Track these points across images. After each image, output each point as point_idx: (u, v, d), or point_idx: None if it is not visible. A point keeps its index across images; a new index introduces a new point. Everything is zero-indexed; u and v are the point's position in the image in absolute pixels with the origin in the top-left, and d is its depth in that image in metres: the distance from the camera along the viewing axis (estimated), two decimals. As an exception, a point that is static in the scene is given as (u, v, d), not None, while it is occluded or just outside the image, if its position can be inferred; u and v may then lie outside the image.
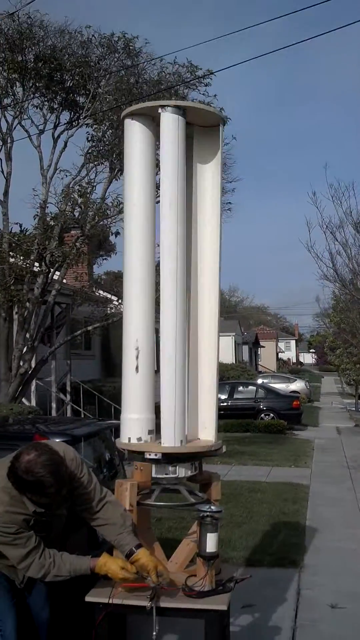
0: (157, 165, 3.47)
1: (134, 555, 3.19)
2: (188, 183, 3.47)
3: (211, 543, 3.31)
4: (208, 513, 3.31)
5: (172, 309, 3.30)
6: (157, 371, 3.39)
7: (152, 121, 3.44)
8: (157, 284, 3.42)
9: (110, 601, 3.18)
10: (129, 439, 3.44)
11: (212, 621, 3.24)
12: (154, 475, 3.42)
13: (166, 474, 3.42)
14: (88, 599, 3.26)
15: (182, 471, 3.44)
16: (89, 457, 5.14)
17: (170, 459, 3.38)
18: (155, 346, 3.45)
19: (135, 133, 3.45)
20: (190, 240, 3.51)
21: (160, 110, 3.34)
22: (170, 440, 3.33)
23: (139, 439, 3.43)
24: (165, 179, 3.33)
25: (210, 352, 3.58)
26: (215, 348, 3.57)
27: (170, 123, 3.33)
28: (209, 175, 3.60)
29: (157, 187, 3.46)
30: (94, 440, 5.34)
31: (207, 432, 3.61)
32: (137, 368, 3.41)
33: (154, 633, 3.12)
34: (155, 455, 3.34)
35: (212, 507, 3.35)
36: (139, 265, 3.41)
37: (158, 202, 3.42)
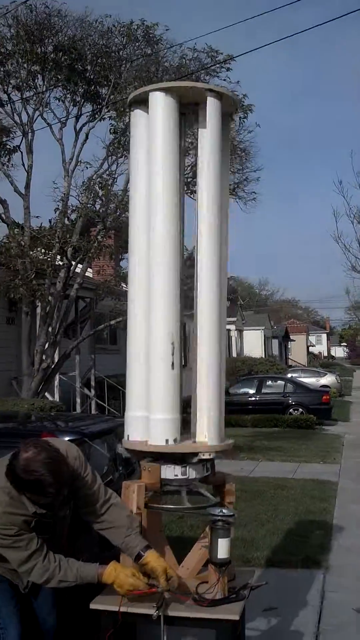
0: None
1: (142, 558, 3.03)
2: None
3: (223, 549, 3.13)
4: (219, 517, 3.12)
5: (214, 302, 3.20)
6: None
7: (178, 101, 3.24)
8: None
9: (119, 609, 3.01)
10: (167, 440, 3.20)
11: (223, 632, 3.06)
12: (163, 476, 3.24)
13: (176, 475, 3.24)
14: (93, 606, 3.11)
15: (192, 472, 3.25)
16: (103, 455, 4.99)
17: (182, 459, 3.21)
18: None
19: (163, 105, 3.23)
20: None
21: (208, 94, 3.19)
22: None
23: (175, 440, 3.21)
24: (202, 172, 3.23)
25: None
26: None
27: (215, 109, 3.20)
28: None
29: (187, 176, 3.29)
30: (109, 437, 5.18)
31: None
32: (172, 364, 3.20)
33: (162, 644, 2.96)
34: (210, 454, 3.19)
35: (224, 511, 3.16)
36: (167, 253, 3.22)
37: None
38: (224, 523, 3.13)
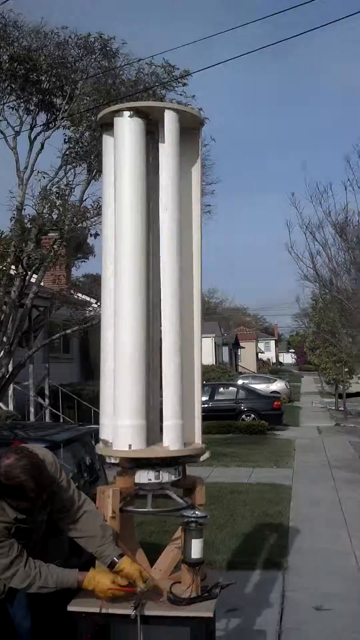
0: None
1: (116, 565, 3.12)
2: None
3: (196, 549, 3.25)
4: (193, 518, 3.24)
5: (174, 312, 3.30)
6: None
7: (143, 119, 3.36)
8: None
9: (100, 611, 3.10)
10: (130, 445, 3.29)
11: (198, 629, 3.17)
12: (137, 481, 3.34)
13: (149, 480, 3.35)
14: (70, 608, 3.17)
15: (165, 476, 3.36)
16: (69, 462, 5.06)
17: (153, 464, 3.32)
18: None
19: (127, 133, 3.35)
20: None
21: (166, 112, 3.32)
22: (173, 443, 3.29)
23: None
24: (164, 185, 3.32)
25: (195, 354, 3.52)
26: (199, 350, 3.52)
27: (174, 125, 3.32)
28: (189, 178, 3.55)
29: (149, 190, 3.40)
30: (74, 445, 5.26)
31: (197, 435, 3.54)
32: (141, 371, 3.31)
33: (139, 643, 3.06)
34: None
35: (197, 513, 3.28)
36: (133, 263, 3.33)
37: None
38: (197, 524, 3.25)
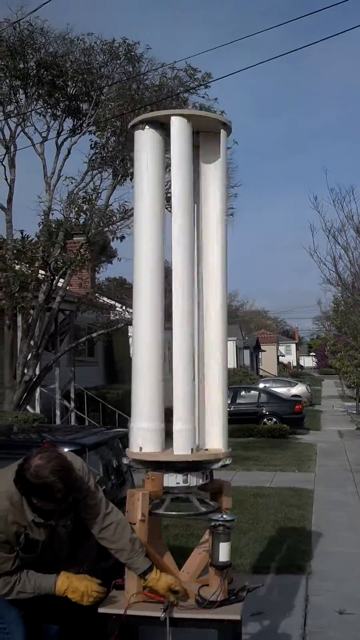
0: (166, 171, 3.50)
1: (145, 582, 3.19)
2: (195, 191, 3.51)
3: (224, 552, 3.31)
4: (220, 522, 3.30)
5: (187, 316, 3.34)
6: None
7: (162, 129, 3.44)
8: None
9: (125, 612, 3.18)
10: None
11: (225, 631, 3.24)
12: (165, 484, 3.41)
13: (177, 483, 3.41)
14: (101, 610, 3.25)
15: (193, 480, 3.43)
16: (96, 465, 5.14)
17: (181, 468, 3.38)
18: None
19: (147, 141, 3.45)
20: (201, 248, 3.54)
21: (172, 119, 3.36)
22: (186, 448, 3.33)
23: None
24: (176, 187, 3.35)
25: (219, 358, 3.58)
26: (224, 353, 3.56)
27: (181, 131, 3.35)
28: (214, 182, 3.60)
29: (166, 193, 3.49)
30: (101, 448, 5.35)
31: (217, 440, 3.60)
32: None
33: (168, 644, 3.13)
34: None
35: (225, 516, 3.34)
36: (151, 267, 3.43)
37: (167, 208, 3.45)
38: (225, 528, 3.31)
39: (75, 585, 3.12)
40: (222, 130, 3.52)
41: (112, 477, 5.43)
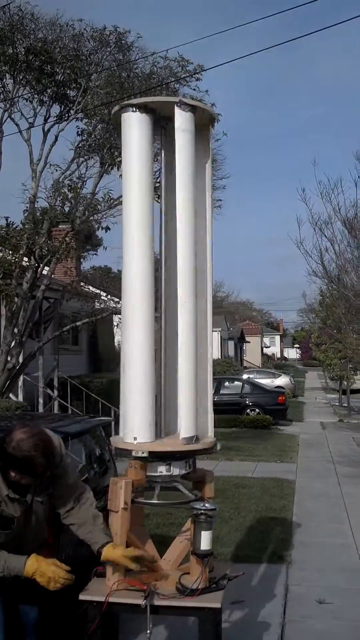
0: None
1: (100, 555, 3.21)
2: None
3: (206, 541, 3.32)
4: (202, 511, 3.32)
5: (190, 308, 3.35)
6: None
7: (153, 116, 3.40)
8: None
9: (107, 600, 3.19)
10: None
11: (206, 619, 3.26)
12: (148, 473, 3.43)
13: (161, 472, 3.43)
14: (82, 597, 3.26)
15: (176, 469, 3.44)
16: (79, 454, 5.15)
17: (165, 457, 3.40)
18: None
19: (135, 126, 3.41)
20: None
21: (177, 106, 3.32)
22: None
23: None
24: (180, 177, 3.34)
25: (207, 348, 3.60)
26: (210, 345, 3.60)
27: (185, 121, 3.33)
28: (201, 174, 3.60)
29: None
30: (85, 437, 5.35)
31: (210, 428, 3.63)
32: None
33: (149, 631, 3.15)
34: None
35: (207, 505, 3.36)
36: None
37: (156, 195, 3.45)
38: (207, 516, 3.33)
39: (43, 569, 3.11)
40: (211, 123, 3.53)
41: (95, 465, 5.44)
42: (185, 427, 3.36)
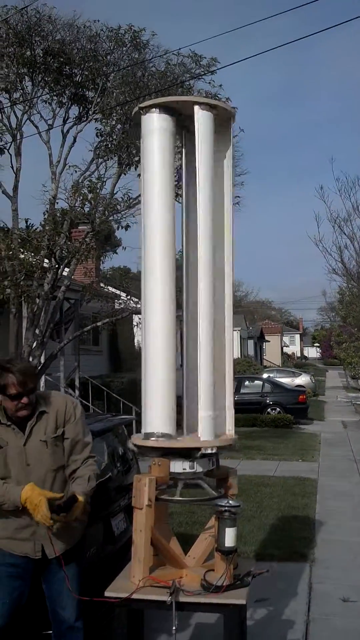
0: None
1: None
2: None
3: (230, 538, 3.33)
4: (226, 508, 3.33)
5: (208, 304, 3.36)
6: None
7: (173, 115, 3.42)
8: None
9: (131, 597, 3.21)
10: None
11: (231, 615, 3.27)
12: (171, 470, 3.44)
13: (184, 469, 3.44)
14: (108, 594, 3.28)
15: (200, 466, 3.45)
16: (102, 452, 5.17)
17: (187, 454, 3.40)
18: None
19: (156, 127, 3.44)
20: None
21: (197, 106, 3.36)
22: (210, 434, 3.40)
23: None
24: (201, 177, 3.37)
25: (226, 347, 3.62)
26: (231, 343, 3.61)
27: (206, 121, 3.36)
28: (222, 171, 3.62)
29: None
30: (107, 435, 5.37)
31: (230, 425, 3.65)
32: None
33: (174, 628, 3.16)
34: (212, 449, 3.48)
35: (231, 502, 3.37)
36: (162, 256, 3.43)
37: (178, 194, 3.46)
38: (231, 513, 3.34)
39: (32, 498, 3.18)
40: (231, 119, 3.55)
41: (118, 463, 5.45)
42: (205, 424, 3.38)
